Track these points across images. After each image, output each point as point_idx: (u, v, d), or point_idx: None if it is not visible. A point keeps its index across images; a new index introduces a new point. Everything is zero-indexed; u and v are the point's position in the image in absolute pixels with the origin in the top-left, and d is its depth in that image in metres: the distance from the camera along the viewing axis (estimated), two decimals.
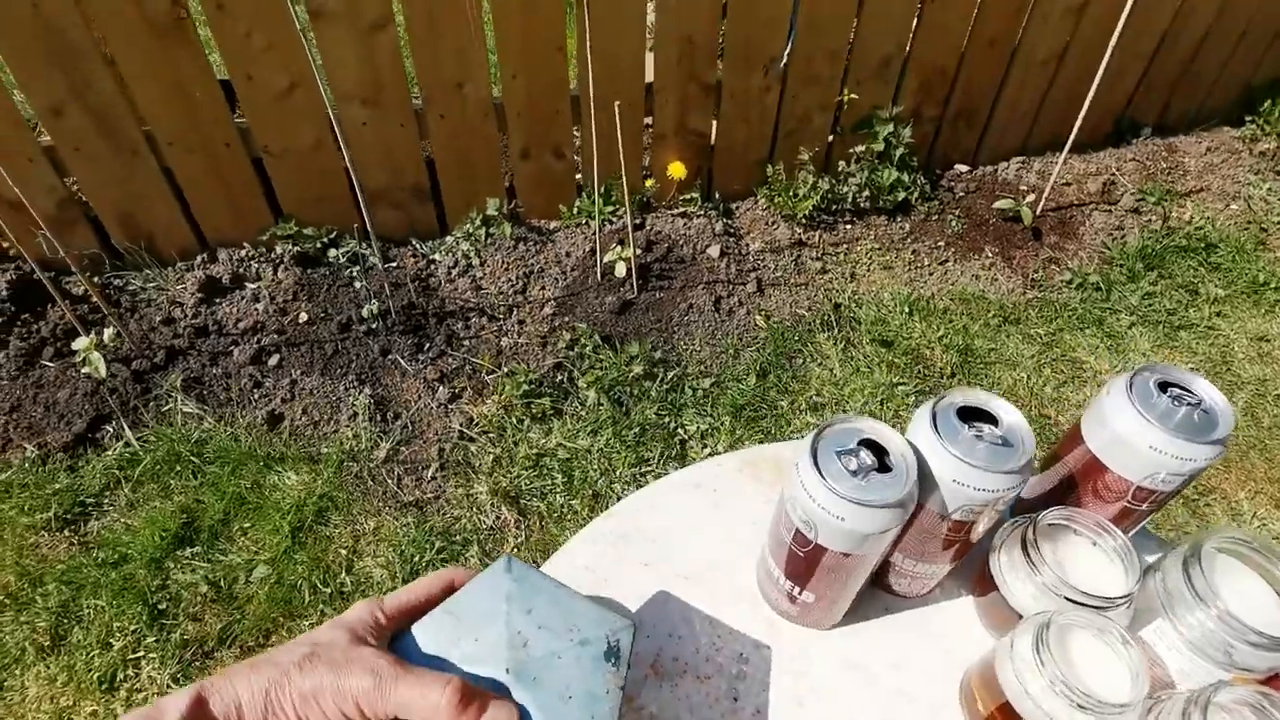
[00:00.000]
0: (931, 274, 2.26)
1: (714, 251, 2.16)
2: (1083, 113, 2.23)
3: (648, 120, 2.14)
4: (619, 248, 2.03)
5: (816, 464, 0.46)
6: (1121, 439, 0.53)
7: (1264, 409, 1.91)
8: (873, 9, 2.08)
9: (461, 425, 1.72)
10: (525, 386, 1.74)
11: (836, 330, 2.03)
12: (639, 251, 2.11)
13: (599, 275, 2.05)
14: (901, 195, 2.40)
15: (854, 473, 0.46)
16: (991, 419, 0.50)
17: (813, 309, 2.09)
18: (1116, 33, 2.10)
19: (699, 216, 2.27)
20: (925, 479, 0.49)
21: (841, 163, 2.37)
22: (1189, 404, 0.52)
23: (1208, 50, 2.66)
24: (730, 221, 2.33)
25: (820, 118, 2.28)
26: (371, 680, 0.37)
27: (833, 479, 0.46)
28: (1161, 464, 0.51)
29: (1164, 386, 0.53)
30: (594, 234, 2.09)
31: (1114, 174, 2.66)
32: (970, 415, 0.51)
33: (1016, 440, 0.49)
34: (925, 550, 0.54)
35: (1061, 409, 1.87)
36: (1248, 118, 2.92)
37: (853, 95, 2.24)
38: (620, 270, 1.99)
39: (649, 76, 2.05)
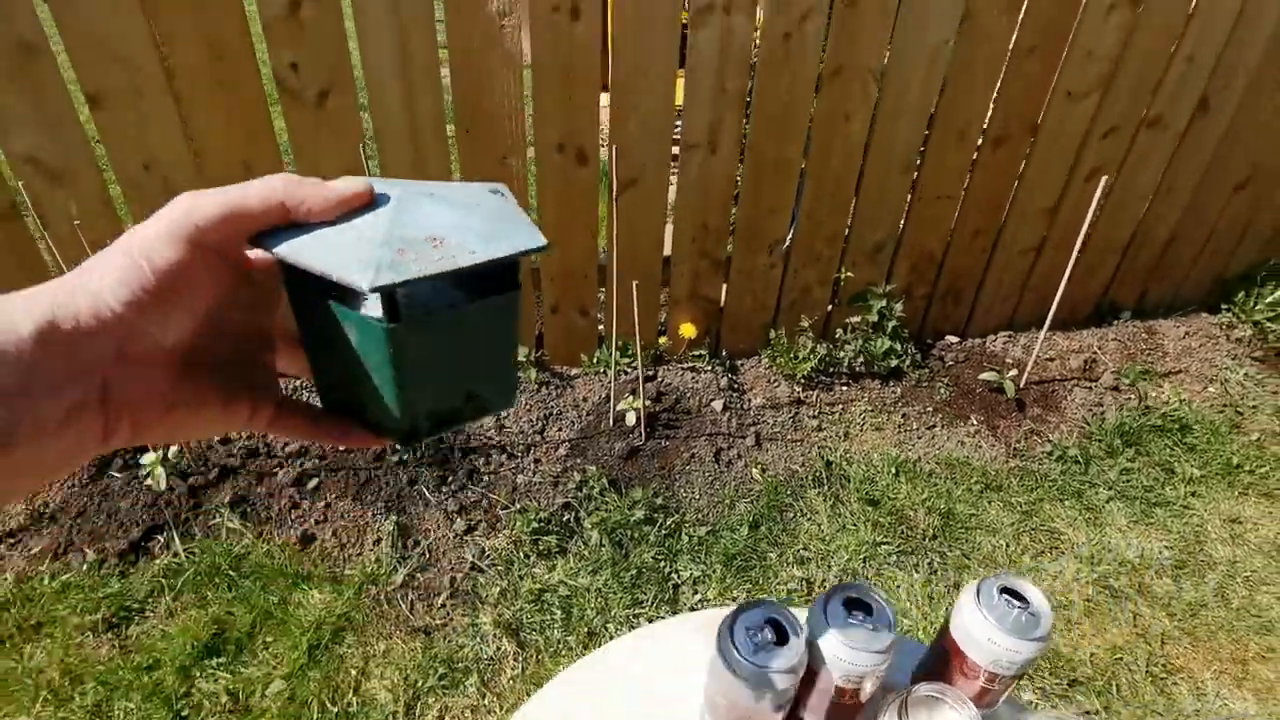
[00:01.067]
0: (920, 438, 2.43)
1: (718, 405, 2.37)
2: (1057, 298, 2.48)
3: (665, 287, 2.42)
4: (631, 398, 2.25)
5: (732, 638, 0.63)
6: (971, 633, 0.69)
7: (1234, 590, 2.00)
8: (867, 204, 2.39)
9: (474, 556, 1.87)
10: (535, 524, 1.91)
11: (827, 487, 2.19)
12: (649, 401, 2.33)
13: (611, 421, 2.26)
14: (894, 362, 2.62)
15: (757, 646, 0.63)
16: (868, 608, 0.67)
17: (806, 465, 2.26)
18: (1082, 233, 2.38)
19: (706, 372, 2.50)
20: (815, 651, 0.65)
21: (839, 330, 2.62)
22: (1019, 607, 0.68)
23: (1178, 246, 2.94)
24: (735, 377, 2.56)
25: (820, 291, 2.55)
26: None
27: (740, 649, 0.63)
28: (1000, 654, 0.67)
29: (1005, 590, 0.70)
30: (610, 383, 2.32)
31: (1095, 352, 2.87)
32: (854, 604, 0.68)
33: (884, 624, 0.66)
34: (824, 708, 0.69)
35: (1038, 579, 1.98)
36: (1224, 306, 3.15)
37: (848, 274, 2.52)
38: (630, 419, 2.20)
39: (667, 250, 2.35)
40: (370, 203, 0.33)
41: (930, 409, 2.53)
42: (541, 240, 0.35)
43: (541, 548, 1.89)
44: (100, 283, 0.30)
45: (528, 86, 1.91)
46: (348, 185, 0.33)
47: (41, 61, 1.61)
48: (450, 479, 2.06)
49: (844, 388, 2.58)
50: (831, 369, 2.60)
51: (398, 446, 2.06)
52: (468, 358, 0.37)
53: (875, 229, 2.46)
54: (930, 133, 2.31)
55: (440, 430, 0.38)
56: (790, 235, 2.39)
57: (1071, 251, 2.68)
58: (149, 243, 0.31)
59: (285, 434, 0.40)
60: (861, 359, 2.60)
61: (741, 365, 2.62)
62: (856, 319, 2.59)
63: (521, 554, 1.88)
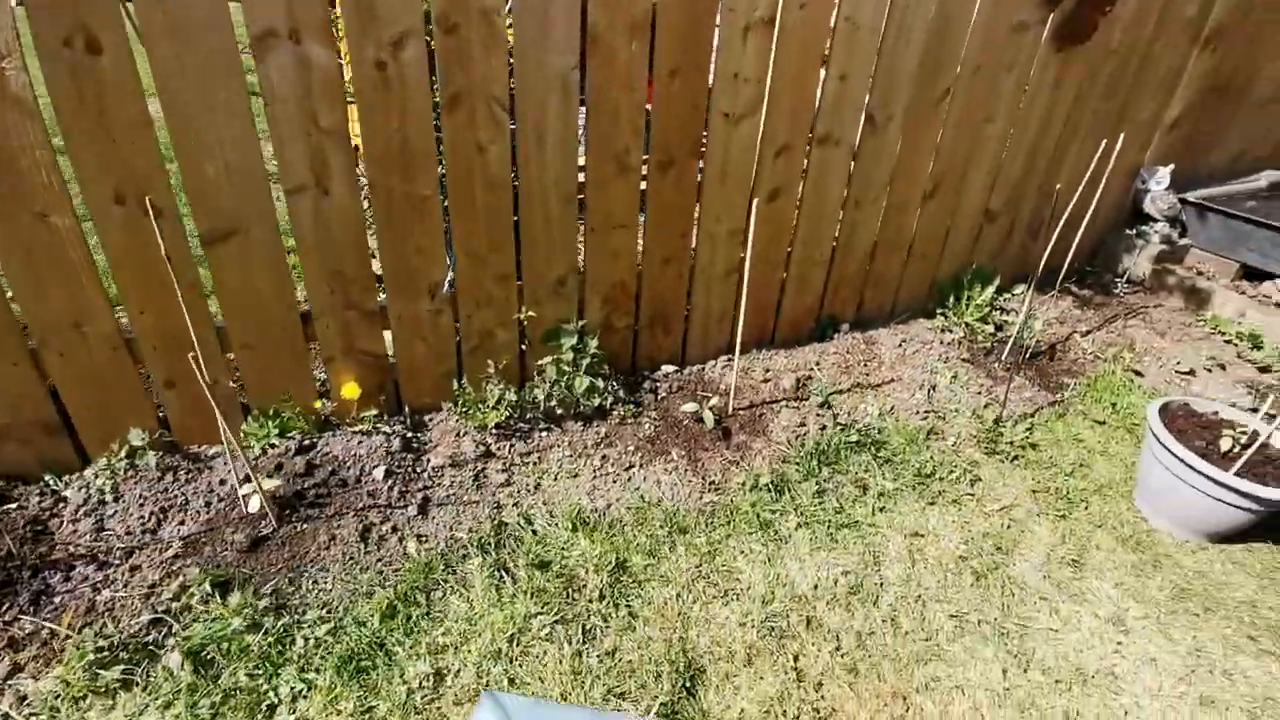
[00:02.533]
0: (615, 481, 2.28)
1: (379, 473, 2.12)
2: (738, 322, 2.41)
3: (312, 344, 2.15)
4: (268, 478, 1.96)
5: None
6: None
7: (905, 612, 1.96)
8: (533, 238, 2.23)
9: (9, 708, 1.51)
10: (95, 653, 1.57)
11: (494, 553, 1.98)
12: (297, 474, 2.04)
13: (245, 508, 1.95)
14: (597, 400, 2.47)
15: None
16: None
17: (475, 529, 2.04)
18: (747, 252, 2.33)
19: (379, 433, 2.25)
20: None
21: (537, 374, 2.44)
22: None
23: (882, 256, 2.99)
24: (418, 435, 2.32)
25: (504, 333, 2.36)
26: None
27: None
28: None
29: None
30: (247, 463, 2.01)
31: (814, 369, 2.86)
32: None
33: None
34: None
35: (703, 630, 1.85)
36: (939, 310, 3.26)
37: (530, 313, 2.35)
38: (254, 505, 1.90)
39: (305, 307, 2.08)
40: None
41: (632, 448, 2.39)
42: None
43: (101, 684, 1.56)
44: None
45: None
46: None
47: None
48: (5, 606, 1.68)
49: (543, 434, 2.40)
50: (529, 415, 2.42)
51: None
52: None
53: (552, 264, 2.31)
54: (587, 161, 2.18)
55: None
56: (450, 277, 2.19)
57: (778, 268, 2.65)
58: None
59: None
60: (559, 401, 2.43)
61: (429, 420, 2.39)
62: (548, 360, 2.42)
63: (72, 696, 1.54)
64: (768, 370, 2.81)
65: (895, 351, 3.03)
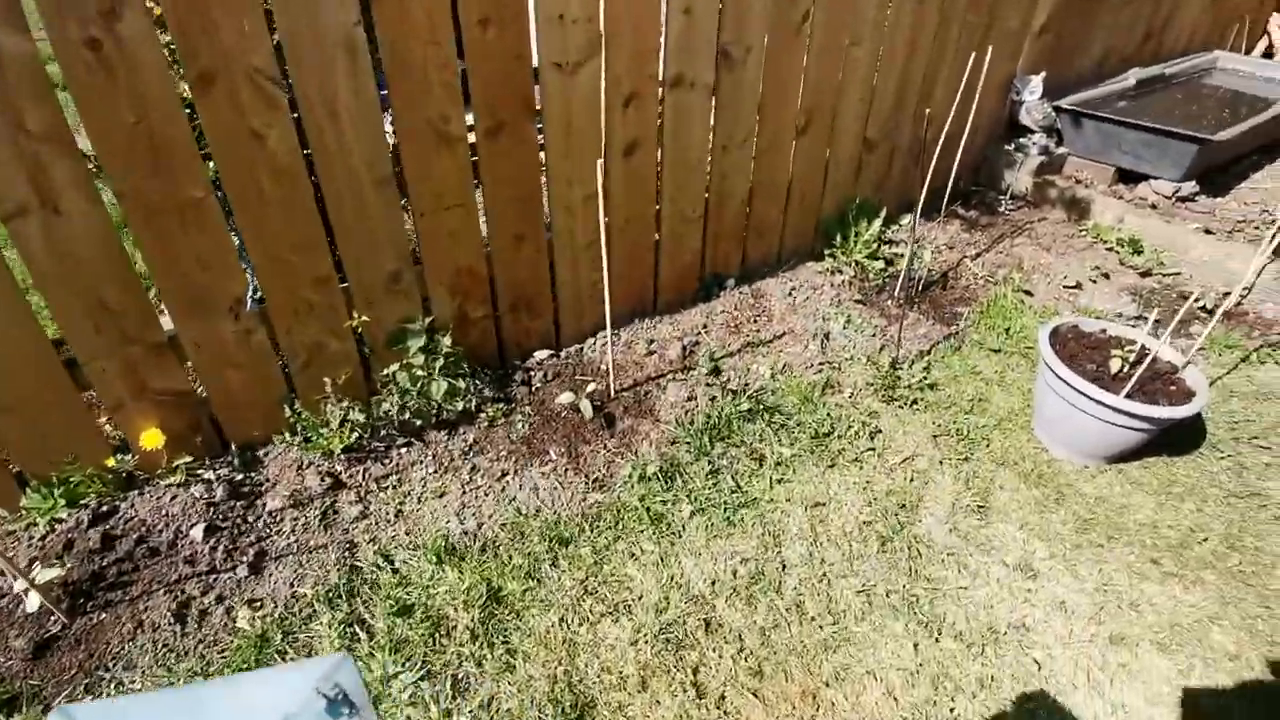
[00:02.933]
0: (488, 494, 2.03)
1: (198, 533, 1.80)
2: (608, 295, 2.17)
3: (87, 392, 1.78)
4: (51, 564, 1.62)
5: None
6: None
7: (811, 595, 1.81)
8: (349, 231, 1.90)
9: None
10: None
11: (347, 605, 1.72)
12: (92, 551, 1.71)
13: (30, 604, 1.61)
14: (460, 404, 2.20)
15: None
16: None
17: (321, 581, 1.77)
18: (600, 217, 2.07)
19: (199, 482, 1.92)
20: None
21: (389, 384, 2.14)
22: None
23: (760, 201, 2.78)
24: (252, 475, 2.00)
25: (338, 343, 2.05)
26: None
27: None
28: None
29: None
30: (37, 543, 1.66)
31: (701, 333, 2.65)
32: None
33: None
34: None
35: (592, 656, 1.65)
36: (826, 251, 3.10)
37: (365, 317, 2.03)
38: (33, 603, 1.57)
39: (69, 352, 1.71)
40: None
41: (505, 452, 2.14)
42: None
43: None
44: None
45: None
46: None
47: None
48: None
49: (402, 450, 2.12)
50: (383, 432, 2.13)
51: None
52: None
53: (379, 258, 1.99)
54: (398, 136, 1.85)
55: None
56: (253, 289, 1.84)
57: (647, 231, 2.40)
58: None
59: None
60: (416, 411, 2.14)
61: (265, 455, 2.07)
62: (395, 366, 2.12)
63: None
64: (652, 341, 2.59)
65: (785, 302, 2.86)
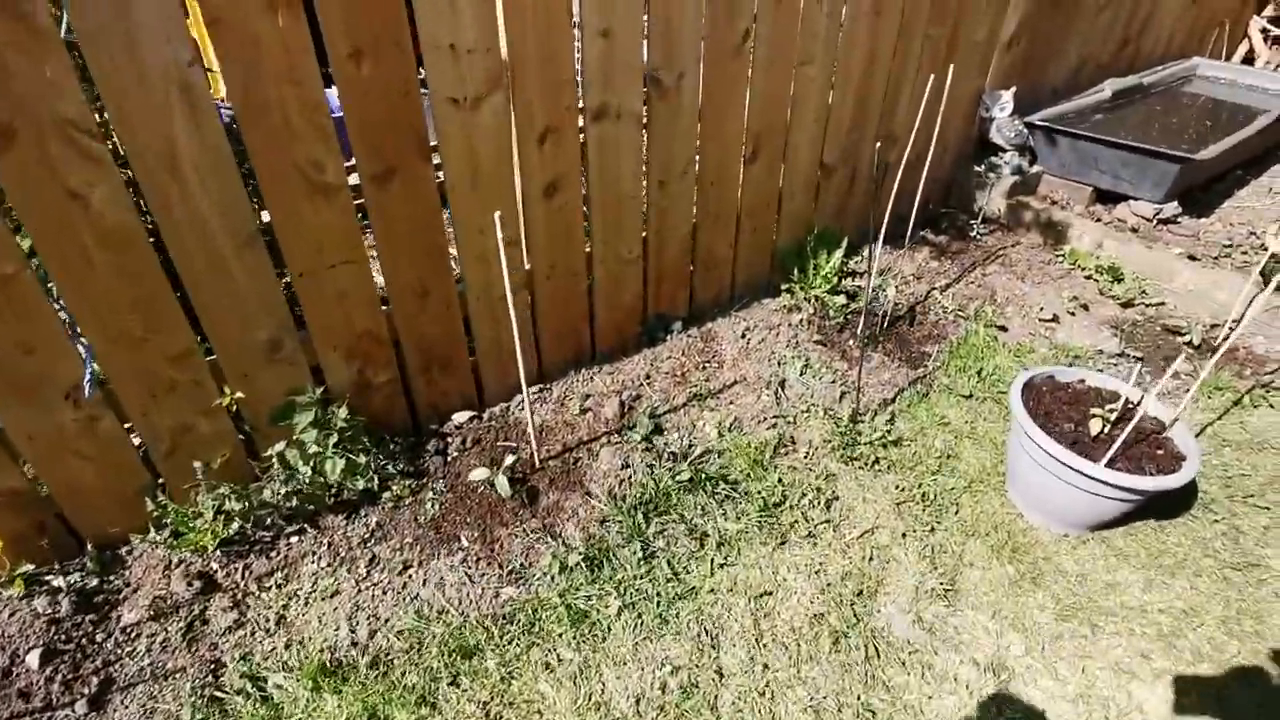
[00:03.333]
0: (386, 592, 1.77)
1: (34, 659, 1.53)
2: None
3: None
4: None
5: None
6: None
7: (751, 712, 1.56)
8: (205, 297, 1.63)
9: None
10: None
11: None
12: None
13: None
14: (362, 482, 1.93)
15: None
16: None
17: (174, 717, 1.50)
18: (503, 269, 1.82)
19: (42, 593, 1.65)
20: None
21: (275, 465, 1.88)
22: None
23: (706, 235, 2.54)
24: (110, 580, 1.73)
25: (210, 424, 1.78)
26: None
27: None
28: None
29: None
30: None
31: (642, 384, 2.40)
32: None
33: None
34: None
35: None
36: (783, 286, 2.86)
37: (239, 393, 1.77)
38: None
39: None
40: None
41: (411, 539, 1.88)
42: None
43: None
44: None
45: None
46: None
47: None
48: None
49: (292, 540, 1.86)
50: (270, 519, 1.87)
51: None
52: None
53: (251, 326, 1.72)
54: (256, 184, 1.59)
55: None
56: (89, 374, 1.57)
57: (576, 277, 2.16)
58: None
59: None
60: (308, 495, 1.88)
61: (127, 554, 1.79)
62: (281, 445, 1.86)
63: None
64: (587, 397, 2.33)
65: (737, 345, 2.61)
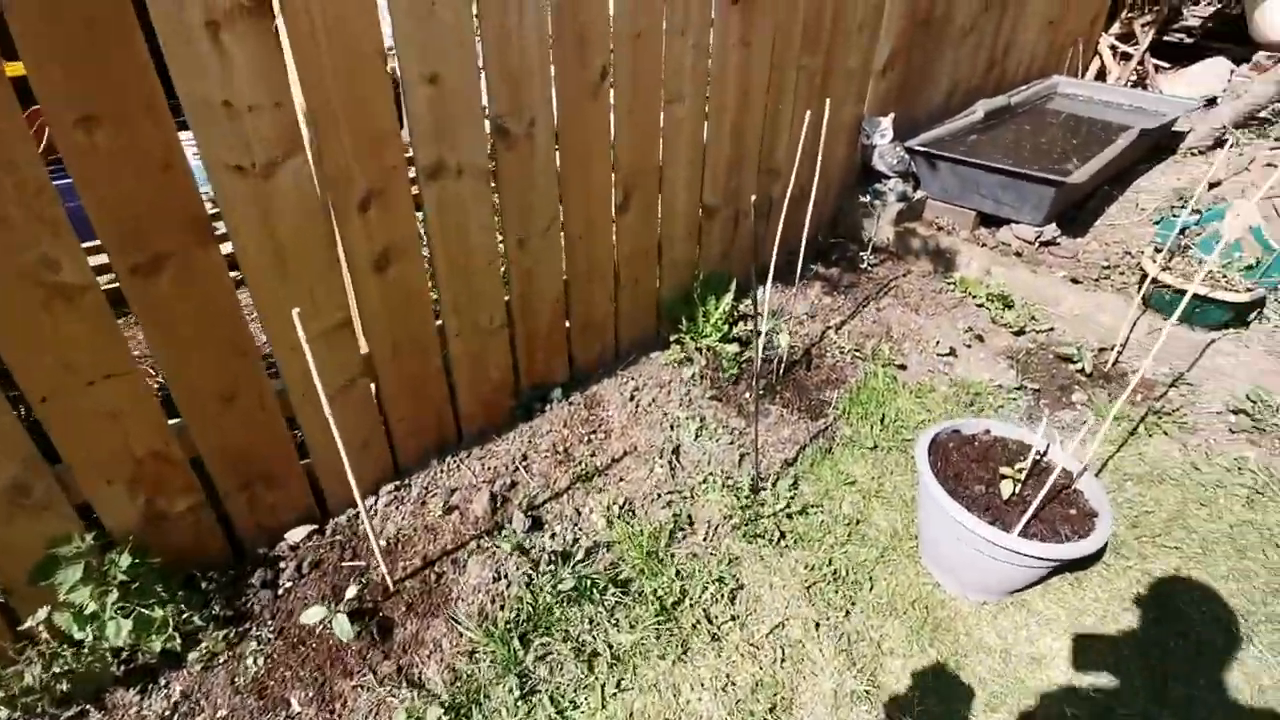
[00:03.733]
0: None
1: None
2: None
3: None
4: None
5: None
6: None
7: None
8: None
9: None
10: None
11: None
12: None
13: None
14: (160, 642, 1.54)
15: None
16: None
17: None
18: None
19: None
20: None
21: (45, 639, 1.46)
22: None
23: (581, 295, 2.29)
24: None
25: None
26: None
27: None
28: None
29: None
30: None
31: (518, 469, 2.11)
32: None
33: None
34: None
35: None
36: (672, 338, 2.63)
37: None
38: None
39: None
40: None
41: (226, 710, 1.51)
42: None
43: None
44: None
45: None
46: None
47: None
48: None
49: None
50: (40, 706, 1.45)
51: None
52: None
53: None
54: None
55: None
56: None
57: (427, 356, 1.85)
58: None
59: None
60: (84, 672, 1.47)
61: None
62: (45, 610, 1.45)
63: None
64: (453, 491, 2.02)
65: (625, 410, 2.36)
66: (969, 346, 2.76)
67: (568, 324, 2.30)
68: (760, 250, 2.90)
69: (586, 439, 2.25)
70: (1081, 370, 2.60)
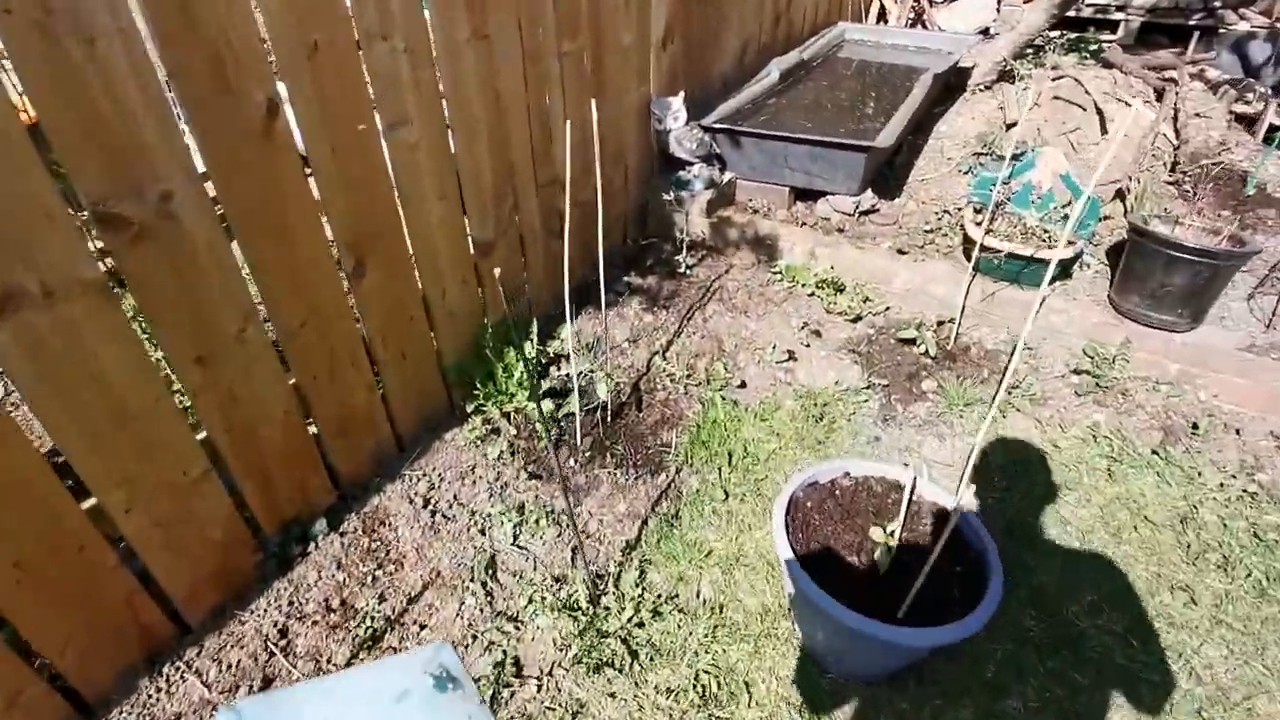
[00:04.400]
0: None
1: None
2: None
3: None
4: None
5: None
6: None
7: None
8: None
9: None
10: None
11: None
12: None
13: None
14: None
15: None
16: None
17: None
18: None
19: None
20: None
21: None
22: None
23: (328, 390, 1.73)
24: None
25: None
26: None
27: None
28: None
29: None
30: None
31: (273, 656, 1.55)
32: None
33: None
34: None
35: None
36: (470, 406, 2.13)
37: None
38: None
39: None
40: None
41: None
42: None
43: None
44: None
45: None
46: None
47: None
48: None
49: None
50: None
51: None
52: None
53: None
54: None
55: None
56: None
57: (89, 550, 1.23)
58: None
59: None
60: None
61: None
62: None
63: None
64: (188, 677, 1.43)
65: (420, 523, 1.85)
66: (807, 346, 2.48)
67: (315, 431, 1.75)
68: (559, 276, 2.44)
69: (370, 579, 1.72)
70: (926, 353, 2.39)
